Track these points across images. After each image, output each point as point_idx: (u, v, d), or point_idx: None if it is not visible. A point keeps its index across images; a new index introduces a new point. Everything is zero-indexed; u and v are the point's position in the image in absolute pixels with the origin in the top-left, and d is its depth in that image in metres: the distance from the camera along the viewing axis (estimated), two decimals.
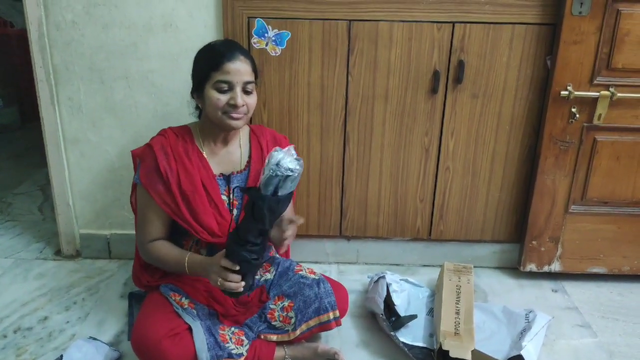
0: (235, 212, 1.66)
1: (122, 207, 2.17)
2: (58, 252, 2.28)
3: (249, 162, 1.69)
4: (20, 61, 3.80)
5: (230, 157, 1.68)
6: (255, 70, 1.59)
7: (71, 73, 1.99)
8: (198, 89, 1.58)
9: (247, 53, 1.59)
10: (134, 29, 1.93)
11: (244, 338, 1.54)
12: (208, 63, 1.55)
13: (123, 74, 1.99)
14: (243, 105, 1.54)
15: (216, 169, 1.65)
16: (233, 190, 1.65)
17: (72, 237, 2.23)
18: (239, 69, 1.52)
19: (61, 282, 2.09)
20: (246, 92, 1.55)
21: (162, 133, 1.65)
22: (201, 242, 1.64)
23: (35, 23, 1.92)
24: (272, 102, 1.98)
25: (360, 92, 1.97)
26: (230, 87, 1.53)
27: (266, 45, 1.91)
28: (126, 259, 2.22)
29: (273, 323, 1.59)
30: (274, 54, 1.92)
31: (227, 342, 1.49)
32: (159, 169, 1.57)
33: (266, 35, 1.90)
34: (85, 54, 1.97)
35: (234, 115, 1.54)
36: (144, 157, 1.60)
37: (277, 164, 1.32)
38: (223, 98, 1.53)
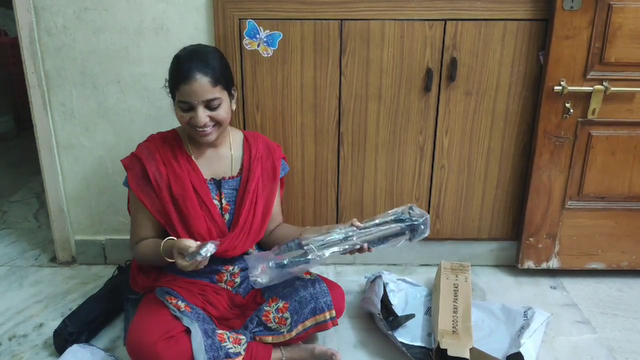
0: (227, 216, 1.65)
1: (117, 212, 2.16)
2: (53, 259, 2.27)
3: (241, 169, 1.68)
4: (14, 70, 3.80)
5: (220, 160, 1.67)
6: (222, 82, 1.53)
7: (63, 78, 1.99)
8: (173, 99, 1.57)
9: (209, 66, 1.50)
10: (125, 32, 1.93)
11: (241, 337, 1.53)
12: (170, 82, 1.54)
13: (115, 78, 1.98)
14: (206, 122, 1.52)
15: (206, 173, 1.64)
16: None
17: (67, 244, 2.22)
18: (196, 90, 1.48)
19: (57, 288, 2.08)
20: (211, 107, 1.52)
21: (149, 139, 1.65)
22: None
23: (26, 28, 1.92)
24: (265, 103, 1.98)
25: (353, 92, 1.97)
26: (191, 107, 1.51)
27: (258, 47, 1.91)
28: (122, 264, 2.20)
29: (269, 325, 1.57)
30: (266, 55, 1.92)
31: (225, 342, 1.48)
32: (148, 176, 1.57)
33: (258, 36, 1.89)
34: (76, 58, 1.96)
35: (201, 131, 1.54)
36: (132, 166, 1.60)
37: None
38: (186, 116, 1.53)
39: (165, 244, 1.49)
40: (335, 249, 1.46)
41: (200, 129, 1.53)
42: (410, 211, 1.52)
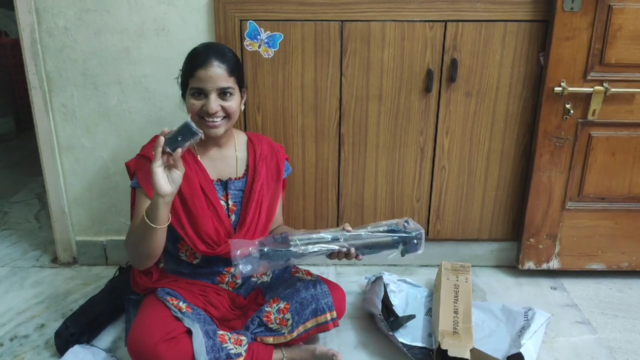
0: (233, 217, 1.65)
1: (118, 213, 2.16)
2: (55, 260, 2.28)
3: (246, 170, 1.69)
4: (15, 71, 3.81)
5: (226, 161, 1.67)
6: (236, 74, 1.56)
7: (64, 79, 1.99)
8: (183, 94, 1.59)
9: (226, 57, 1.55)
10: (126, 34, 1.93)
11: (242, 338, 1.53)
12: (185, 70, 1.56)
13: (116, 79, 1.99)
14: (217, 112, 1.53)
15: (213, 174, 1.64)
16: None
17: (69, 245, 2.23)
18: (211, 76, 1.50)
19: (58, 289, 2.08)
20: (223, 97, 1.54)
21: (155, 139, 1.64)
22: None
23: (28, 30, 1.92)
24: (265, 104, 1.98)
25: (354, 93, 1.97)
26: (205, 94, 1.52)
27: (259, 48, 1.91)
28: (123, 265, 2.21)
29: (270, 326, 1.57)
30: (267, 56, 1.92)
31: (226, 342, 1.48)
32: None
33: (258, 37, 1.90)
34: (78, 60, 1.96)
35: (210, 123, 1.54)
36: (141, 166, 1.59)
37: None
38: (197, 104, 1.53)
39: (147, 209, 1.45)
40: (320, 246, 1.46)
41: (210, 120, 1.54)
42: (406, 224, 1.51)
